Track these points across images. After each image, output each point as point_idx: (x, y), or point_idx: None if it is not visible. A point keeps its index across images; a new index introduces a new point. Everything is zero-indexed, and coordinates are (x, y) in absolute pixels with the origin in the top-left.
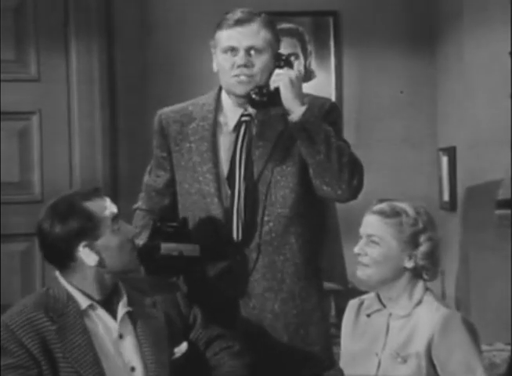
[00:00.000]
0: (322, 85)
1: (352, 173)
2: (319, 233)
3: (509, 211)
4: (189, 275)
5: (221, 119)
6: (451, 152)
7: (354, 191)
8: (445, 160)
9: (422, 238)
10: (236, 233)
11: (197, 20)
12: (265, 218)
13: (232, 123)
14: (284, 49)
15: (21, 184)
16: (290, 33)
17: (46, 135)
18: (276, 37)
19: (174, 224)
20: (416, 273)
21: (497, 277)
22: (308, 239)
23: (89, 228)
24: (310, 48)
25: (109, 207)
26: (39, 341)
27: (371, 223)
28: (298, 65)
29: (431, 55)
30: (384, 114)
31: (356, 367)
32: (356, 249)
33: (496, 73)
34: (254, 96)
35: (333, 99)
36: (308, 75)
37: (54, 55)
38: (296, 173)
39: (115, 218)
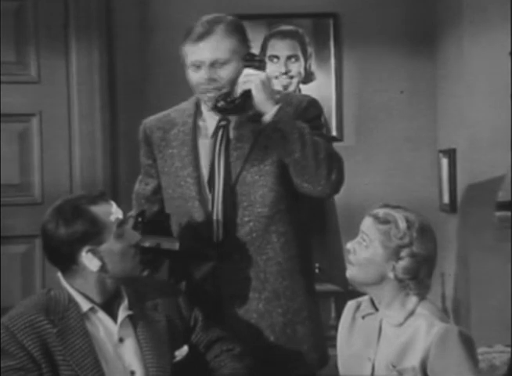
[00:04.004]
0: (323, 87)
1: (330, 168)
2: (303, 230)
3: (509, 213)
4: (172, 272)
5: (201, 123)
6: (451, 154)
7: (334, 186)
8: (445, 161)
9: (404, 252)
10: (216, 235)
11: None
12: (245, 219)
13: (210, 128)
14: (285, 51)
15: (21, 186)
16: (290, 35)
17: (46, 137)
18: (243, 40)
19: (155, 219)
20: (403, 285)
21: (497, 279)
22: (291, 237)
23: (93, 233)
24: (310, 49)
25: (114, 213)
26: (40, 344)
27: (366, 224)
28: (298, 67)
29: (431, 56)
30: (383, 116)
31: (350, 370)
32: (348, 245)
33: (496, 73)
34: (219, 104)
35: (333, 100)
36: (308, 77)
37: (54, 57)
38: (274, 172)
39: (120, 223)
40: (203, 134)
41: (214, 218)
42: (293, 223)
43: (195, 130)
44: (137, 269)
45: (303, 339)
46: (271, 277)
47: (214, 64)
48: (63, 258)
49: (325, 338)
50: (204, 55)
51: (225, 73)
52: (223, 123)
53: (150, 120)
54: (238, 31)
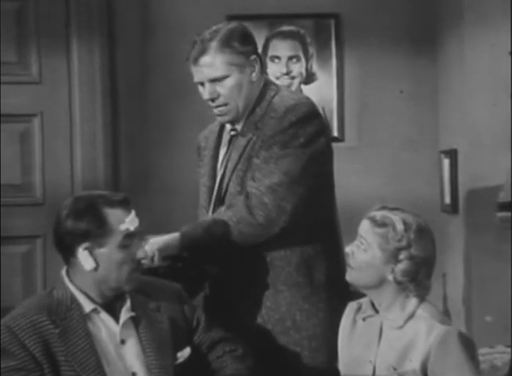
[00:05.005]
0: (324, 87)
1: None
2: (292, 242)
3: (510, 214)
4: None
5: (224, 133)
6: (452, 154)
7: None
8: (446, 162)
9: (402, 255)
10: None
11: (197, 22)
12: None
13: (227, 137)
14: (286, 51)
15: (22, 186)
16: (291, 35)
17: (47, 138)
18: (240, 49)
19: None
20: (403, 287)
21: (498, 279)
22: (275, 248)
23: (96, 234)
24: (312, 50)
25: (127, 222)
26: (41, 344)
27: (364, 227)
28: (300, 67)
29: (432, 56)
30: (385, 116)
31: (352, 371)
32: (347, 249)
33: (497, 73)
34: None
35: (335, 100)
36: (309, 77)
37: (55, 57)
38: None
39: (129, 235)
40: (223, 143)
41: None
42: (277, 235)
43: (218, 140)
44: (132, 284)
45: (284, 350)
46: (253, 287)
47: (213, 82)
48: (65, 248)
49: (324, 353)
50: (202, 75)
51: (224, 89)
52: (232, 133)
53: (204, 130)
54: (234, 42)
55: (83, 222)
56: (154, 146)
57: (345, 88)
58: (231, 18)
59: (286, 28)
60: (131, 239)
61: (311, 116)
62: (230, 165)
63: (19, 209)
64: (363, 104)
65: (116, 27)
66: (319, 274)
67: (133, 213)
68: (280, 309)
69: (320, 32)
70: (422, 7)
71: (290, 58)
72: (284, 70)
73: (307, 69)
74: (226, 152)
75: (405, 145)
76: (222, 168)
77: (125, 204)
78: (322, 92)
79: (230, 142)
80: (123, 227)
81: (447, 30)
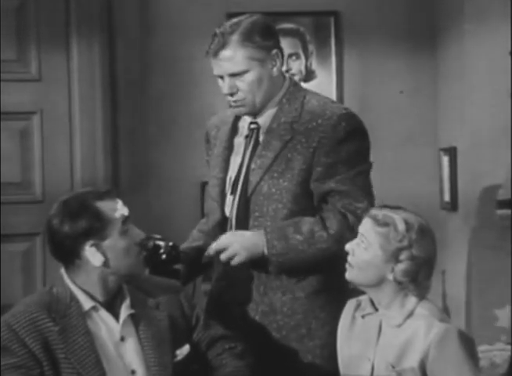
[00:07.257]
0: (323, 85)
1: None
2: None
3: (509, 211)
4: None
5: (240, 124)
6: (452, 152)
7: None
8: (445, 160)
9: (403, 255)
10: None
11: (198, 20)
12: (254, 229)
13: (245, 130)
14: (285, 49)
15: (22, 184)
16: (291, 33)
17: (47, 135)
18: (261, 43)
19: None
20: (403, 287)
21: (498, 277)
22: None
23: (98, 228)
24: (311, 48)
25: (120, 209)
26: (41, 342)
27: (365, 226)
28: (299, 65)
29: (432, 54)
30: (384, 114)
31: (350, 369)
32: (347, 246)
33: (497, 72)
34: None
35: (334, 98)
36: (309, 75)
37: (55, 54)
38: (291, 189)
39: (125, 220)
40: (239, 136)
41: (229, 223)
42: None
43: (232, 130)
44: (140, 267)
45: (298, 357)
46: (270, 291)
47: (233, 76)
48: (67, 252)
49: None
50: (222, 69)
51: (244, 84)
52: (253, 126)
53: (213, 117)
54: (255, 36)
55: (81, 222)
56: (154, 143)
57: (344, 85)
58: (231, 15)
59: (285, 26)
60: (128, 224)
61: (363, 126)
62: (260, 163)
63: (19, 207)
64: (362, 102)
65: (115, 24)
66: (337, 283)
67: (120, 200)
68: (295, 316)
69: (320, 30)
70: (422, 5)
71: (290, 55)
72: (284, 68)
73: (306, 66)
74: (246, 146)
75: (404, 142)
76: (240, 161)
77: (112, 194)
78: (321, 89)
79: (251, 136)
80: (118, 214)
81: (447, 28)
